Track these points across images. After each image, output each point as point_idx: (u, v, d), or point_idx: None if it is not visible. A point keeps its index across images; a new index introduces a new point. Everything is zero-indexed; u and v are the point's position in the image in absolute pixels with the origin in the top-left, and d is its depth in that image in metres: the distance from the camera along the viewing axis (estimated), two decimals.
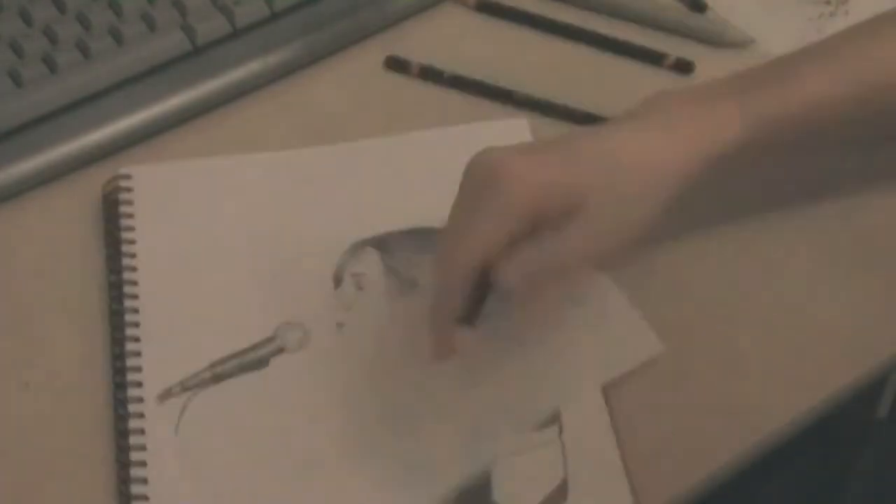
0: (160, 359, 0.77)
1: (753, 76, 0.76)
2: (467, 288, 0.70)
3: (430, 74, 0.90)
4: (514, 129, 0.87)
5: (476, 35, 0.95)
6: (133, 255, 0.81)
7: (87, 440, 0.74)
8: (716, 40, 0.93)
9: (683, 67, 0.91)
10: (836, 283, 0.81)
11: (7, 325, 0.79)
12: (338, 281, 0.80)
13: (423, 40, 0.94)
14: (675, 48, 0.92)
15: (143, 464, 0.73)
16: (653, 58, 0.92)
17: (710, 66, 0.91)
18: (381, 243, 0.82)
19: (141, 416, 0.75)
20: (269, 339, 0.78)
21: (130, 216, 0.83)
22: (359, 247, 0.81)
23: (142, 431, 0.74)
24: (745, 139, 0.73)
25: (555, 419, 0.75)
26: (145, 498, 0.72)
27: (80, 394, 0.76)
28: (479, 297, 0.72)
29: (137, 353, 0.77)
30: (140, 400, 0.75)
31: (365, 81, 0.91)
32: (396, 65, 0.91)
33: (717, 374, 0.77)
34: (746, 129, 0.73)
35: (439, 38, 0.94)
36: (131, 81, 0.88)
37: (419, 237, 0.82)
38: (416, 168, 0.85)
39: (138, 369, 0.76)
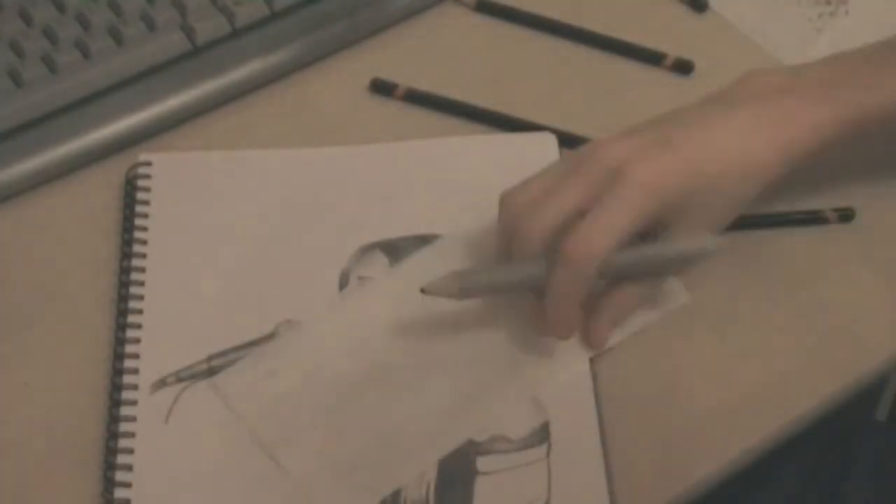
0: (159, 347, 0.77)
1: (848, 70, 0.77)
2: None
3: (417, 98, 0.90)
4: (540, 142, 0.87)
5: (476, 35, 0.95)
6: (144, 242, 0.81)
7: (88, 437, 0.74)
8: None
9: (683, 67, 0.91)
10: (835, 283, 0.81)
11: (11, 325, 0.79)
12: (343, 282, 0.80)
13: (422, 40, 0.94)
14: (674, 49, 0.92)
15: (130, 451, 0.73)
16: (652, 58, 0.92)
17: (710, 66, 0.91)
18: (391, 248, 0.82)
19: (134, 403, 0.75)
20: (269, 337, 0.78)
21: (146, 203, 0.83)
22: (368, 250, 0.81)
23: (133, 419, 0.74)
24: (832, 139, 0.75)
25: (544, 438, 0.75)
26: (128, 485, 0.72)
27: (81, 392, 0.76)
28: None
29: (137, 340, 0.77)
30: (135, 387, 0.75)
31: (365, 81, 0.91)
32: (382, 88, 0.90)
33: (715, 376, 0.77)
34: (835, 131, 0.75)
35: (439, 39, 0.94)
36: (131, 81, 0.88)
37: (428, 244, 0.82)
38: (434, 175, 0.85)
39: (136, 356, 0.77)
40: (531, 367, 0.77)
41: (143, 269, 0.80)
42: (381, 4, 0.93)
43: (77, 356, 0.78)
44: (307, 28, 0.91)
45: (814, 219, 0.83)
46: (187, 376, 0.76)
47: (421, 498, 0.72)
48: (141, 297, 0.79)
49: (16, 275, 0.81)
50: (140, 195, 0.84)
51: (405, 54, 0.92)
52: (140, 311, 0.78)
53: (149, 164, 0.85)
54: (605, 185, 0.72)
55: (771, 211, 0.83)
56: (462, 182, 0.85)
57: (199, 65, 0.89)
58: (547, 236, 0.73)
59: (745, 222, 0.83)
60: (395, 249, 0.81)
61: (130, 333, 0.77)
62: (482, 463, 0.73)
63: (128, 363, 0.76)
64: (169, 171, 0.85)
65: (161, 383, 0.76)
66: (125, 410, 0.74)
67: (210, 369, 0.77)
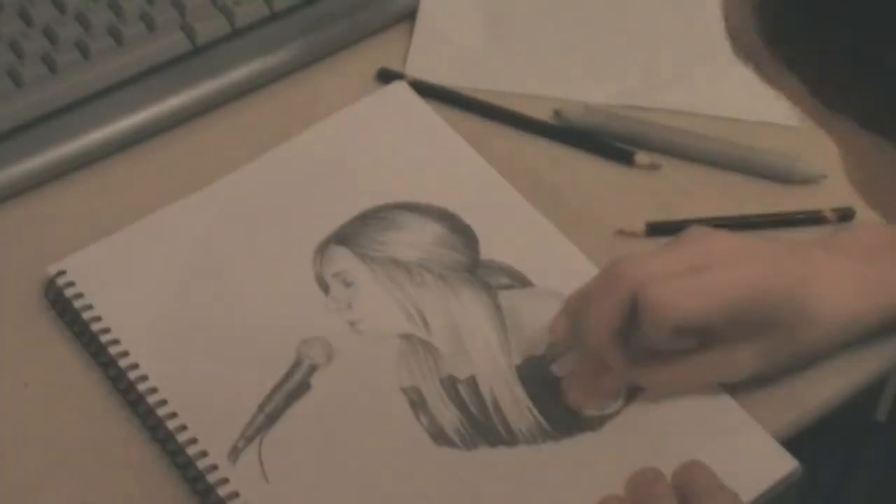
0: (206, 422, 0.74)
1: None
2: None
3: (421, 89, 0.90)
4: (396, 93, 0.89)
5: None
6: (118, 342, 0.77)
7: (88, 437, 0.75)
8: (783, 178, 0.86)
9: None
10: None
11: (11, 324, 0.79)
12: (324, 287, 0.80)
13: None
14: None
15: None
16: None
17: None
18: (341, 237, 0.82)
19: (215, 468, 0.72)
20: (298, 363, 0.77)
21: (90, 307, 0.78)
22: (323, 247, 0.81)
23: (226, 481, 0.72)
24: None
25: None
26: None
27: (81, 392, 0.76)
28: None
29: (184, 427, 0.74)
30: (204, 454, 0.73)
31: (364, 82, 0.91)
32: (388, 77, 0.90)
33: None
34: None
35: None
36: (131, 81, 0.88)
37: (373, 218, 0.82)
38: (333, 158, 0.86)
39: (194, 441, 0.73)
40: None
41: (136, 366, 0.76)
42: (381, 5, 0.93)
43: (77, 356, 0.77)
44: (307, 28, 0.91)
45: (814, 219, 0.83)
46: (252, 433, 0.74)
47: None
48: (155, 390, 0.75)
49: (16, 274, 0.81)
50: (77, 303, 0.78)
51: (405, 54, 0.92)
52: (165, 402, 0.75)
53: (63, 272, 0.80)
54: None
55: (771, 211, 0.84)
56: (358, 153, 0.86)
57: (199, 65, 0.89)
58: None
59: (745, 222, 0.83)
60: (346, 236, 0.82)
61: (172, 424, 0.74)
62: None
63: (185, 447, 0.73)
64: (87, 269, 0.80)
65: (235, 451, 0.73)
66: (211, 477, 0.72)
67: (267, 417, 0.75)
